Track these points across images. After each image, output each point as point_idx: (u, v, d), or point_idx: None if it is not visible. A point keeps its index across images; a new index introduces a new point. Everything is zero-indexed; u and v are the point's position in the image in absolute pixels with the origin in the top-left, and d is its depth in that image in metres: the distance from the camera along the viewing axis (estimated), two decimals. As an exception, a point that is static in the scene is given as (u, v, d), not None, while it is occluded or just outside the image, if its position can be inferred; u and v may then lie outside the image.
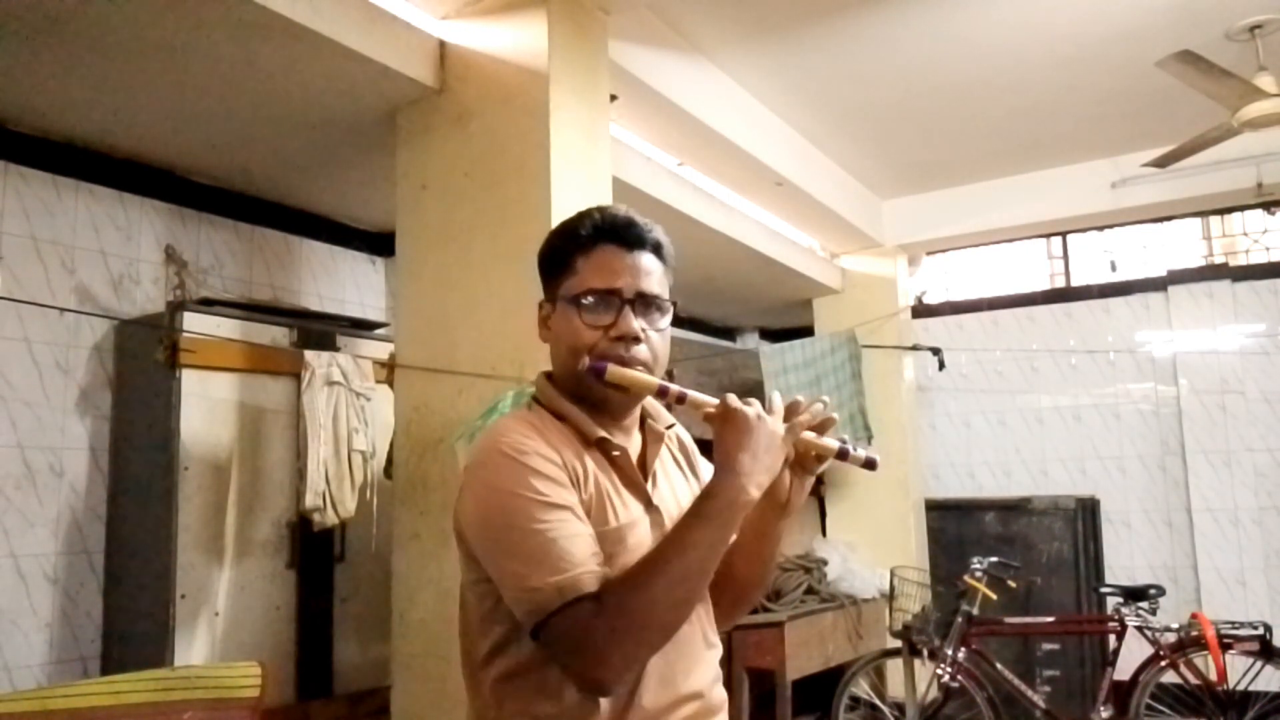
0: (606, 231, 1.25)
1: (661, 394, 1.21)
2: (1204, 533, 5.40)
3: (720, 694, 1.28)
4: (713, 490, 1.13)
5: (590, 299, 1.22)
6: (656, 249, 1.28)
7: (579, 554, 1.09)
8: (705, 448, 1.35)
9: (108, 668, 3.28)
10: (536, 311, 1.33)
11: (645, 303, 1.24)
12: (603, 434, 1.24)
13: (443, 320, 2.88)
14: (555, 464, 1.16)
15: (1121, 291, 5.87)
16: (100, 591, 3.35)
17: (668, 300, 1.28)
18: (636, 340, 1.22)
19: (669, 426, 1.37)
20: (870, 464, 1.24)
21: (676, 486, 1.33)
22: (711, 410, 1.19)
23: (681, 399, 1.21)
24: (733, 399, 1.18)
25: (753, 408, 1.17)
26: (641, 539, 1.20)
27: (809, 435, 1.20)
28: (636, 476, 1.26)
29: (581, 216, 1.28)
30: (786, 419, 1.19)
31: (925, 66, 3.87)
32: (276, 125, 3.27)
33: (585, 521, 1.15)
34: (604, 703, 1.14)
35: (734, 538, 1.35)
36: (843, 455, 1.21)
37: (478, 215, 2.82)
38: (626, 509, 1.22)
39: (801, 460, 1.23)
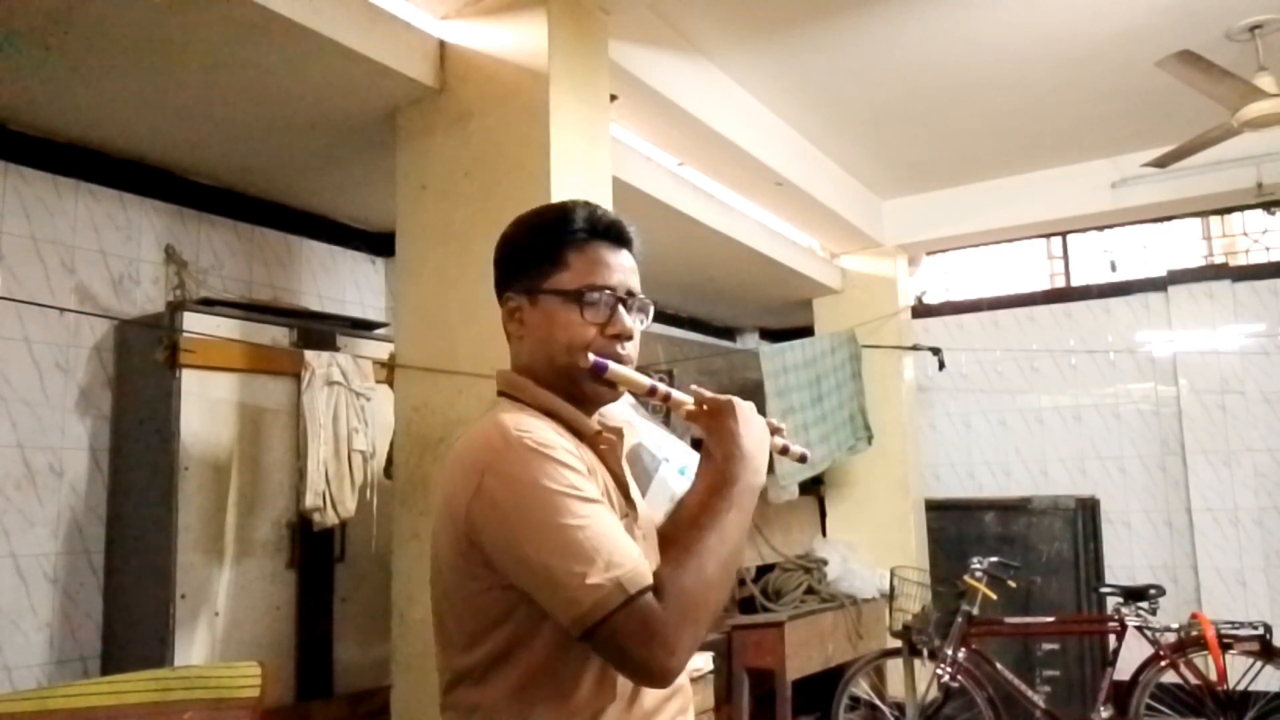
0: (600, 229, 1.25)
1: (651, 393, 1.23)
2: (1204, 533, 5.40)
3: (689, 686, 1.29)
4: (734, 476, 1.16)
5: (594, 295, 1.21)
6: (631, 247, 1.30)
7: (628, 546, 1.07)
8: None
9: (108, 668, 3.27)
10: (501, 305, 1.28)
11: (633, 301, 1.26)
12: (598, 428, 1.24)
13: (443, 320, 2.88)
14: (576, 456, 1.13)
15: (1121, 291, 5.87)
16: (100, 591, 3.35)
17: (649, 301, 1.29)
18: (630, 338, 1.24)
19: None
20: (802, 459, 1.34)
21: (633, 484, 1.33)
22: (691, 408, 1.23)
23: (667, 398, 1.25)
24: (707, 394, 1.24)
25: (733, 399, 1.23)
26: (632, 534, 1.17)
27: None
28: (621, 472, 1.26)
29: (566, 209, 1.26)
30: None
31: (925, 66, 3.87)
32: (276, 125, 3.26)
33: (614, 512, 1.14)
34: (612, 705, 1.13)
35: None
36: (784, 450, 1.31)
37: (478, 215, 2.82)
38: (623, 502, 1.23)
39: None
